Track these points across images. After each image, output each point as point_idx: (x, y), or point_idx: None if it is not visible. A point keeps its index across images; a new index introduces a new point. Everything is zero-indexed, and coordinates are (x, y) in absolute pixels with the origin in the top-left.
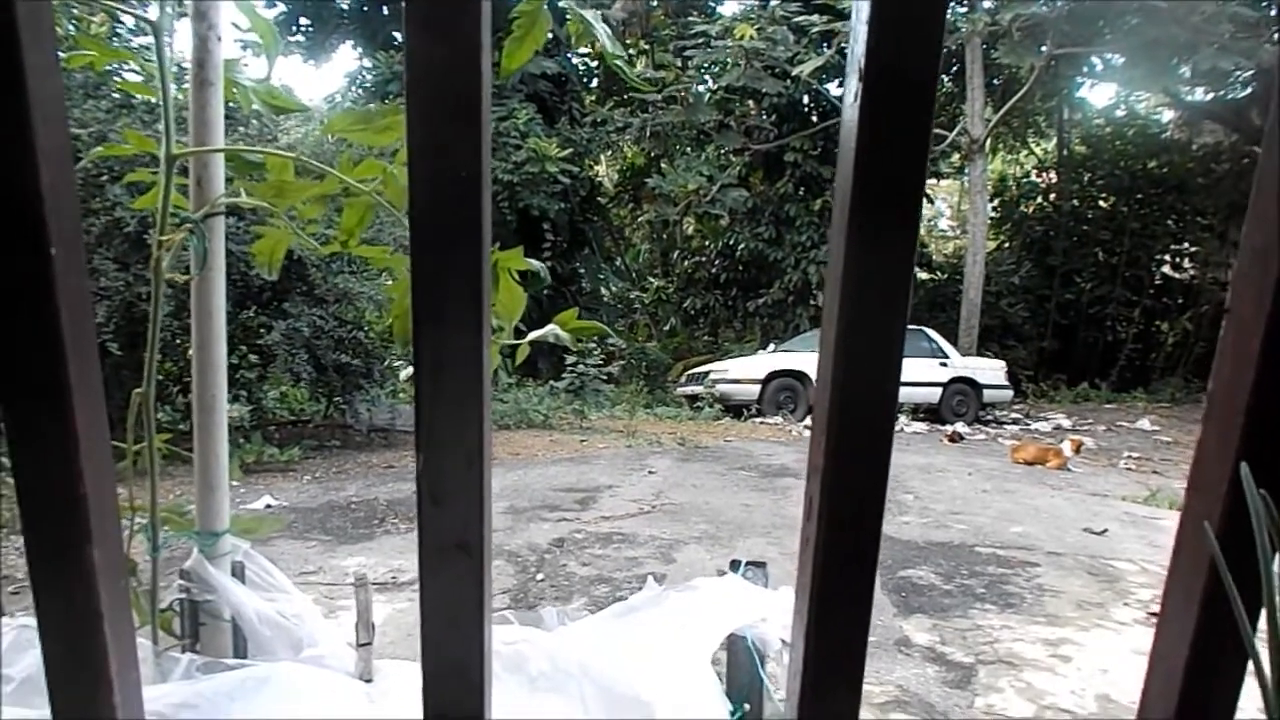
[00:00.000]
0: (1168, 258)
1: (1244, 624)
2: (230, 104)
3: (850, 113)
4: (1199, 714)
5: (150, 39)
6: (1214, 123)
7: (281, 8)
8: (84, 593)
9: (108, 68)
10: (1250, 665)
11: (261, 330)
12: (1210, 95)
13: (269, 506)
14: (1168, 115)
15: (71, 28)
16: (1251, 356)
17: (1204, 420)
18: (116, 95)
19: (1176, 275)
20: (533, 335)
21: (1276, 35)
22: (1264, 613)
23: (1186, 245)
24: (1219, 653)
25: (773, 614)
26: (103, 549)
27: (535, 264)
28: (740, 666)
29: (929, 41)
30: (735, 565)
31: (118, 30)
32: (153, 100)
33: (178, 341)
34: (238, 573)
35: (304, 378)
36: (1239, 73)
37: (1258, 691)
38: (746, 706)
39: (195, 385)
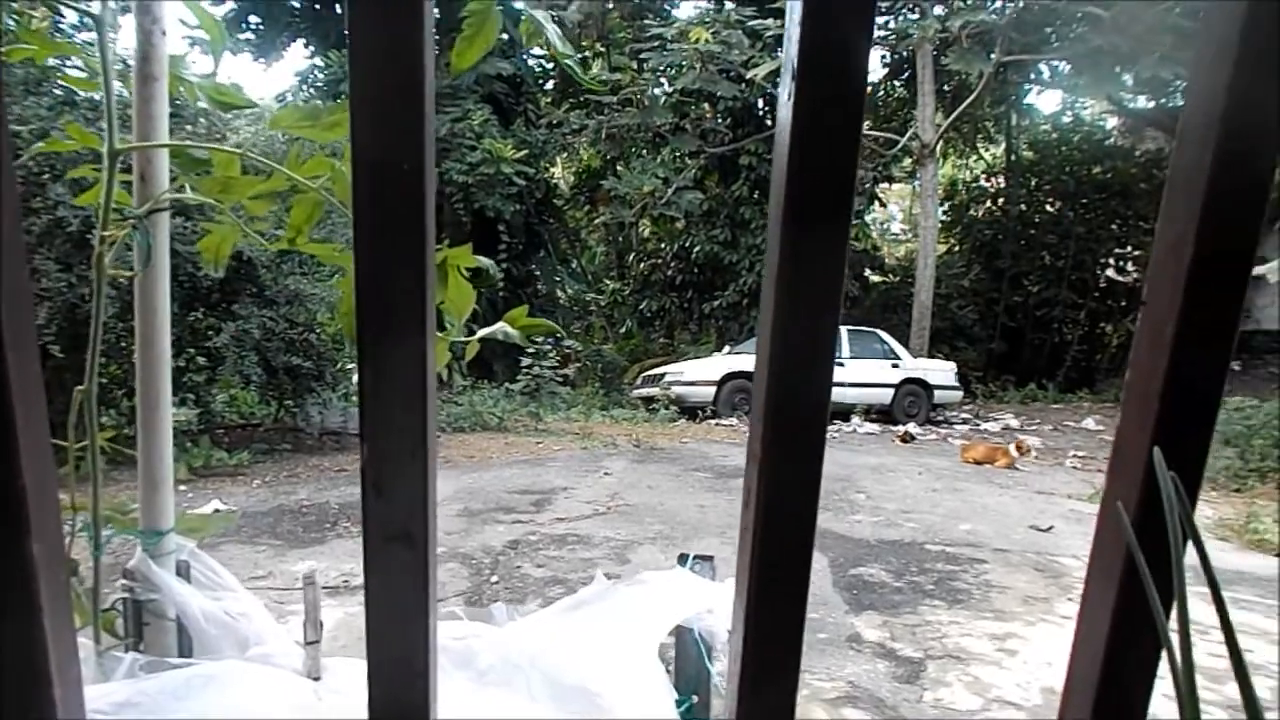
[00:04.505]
0: (1112, 261)
1: (1157, 608)
2: (178, 101)
3: (785, 111)
4: (1118, 698)
5: (94, 34)
6: (1155, 130)
7: (231, 5)
8: (22, 587)
9: (50, 63)
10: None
11: (210, 332)
12: (1152, 103)
13: (218, 511)
14: (1112, 122)
15: (11, 22)
16: (1165, 345)
17: (1121, 406)
18: (59, 91)
19: (1120, 278)
20: (482, 333)
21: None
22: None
23: (1130, 249)
24: (1137, 634)
25: (720, 606)
26: (42, 542)
27: (484, 260)
28: (688, 658)
29: (858, 41)
30: (683, 559)
31: (60, 25)
32: (96, 97)
33: (122, 344)
34: (183, 572)
35: (254, 380)
36: (1179, 81)
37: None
38: (695, 697)
39: (139, 381)
